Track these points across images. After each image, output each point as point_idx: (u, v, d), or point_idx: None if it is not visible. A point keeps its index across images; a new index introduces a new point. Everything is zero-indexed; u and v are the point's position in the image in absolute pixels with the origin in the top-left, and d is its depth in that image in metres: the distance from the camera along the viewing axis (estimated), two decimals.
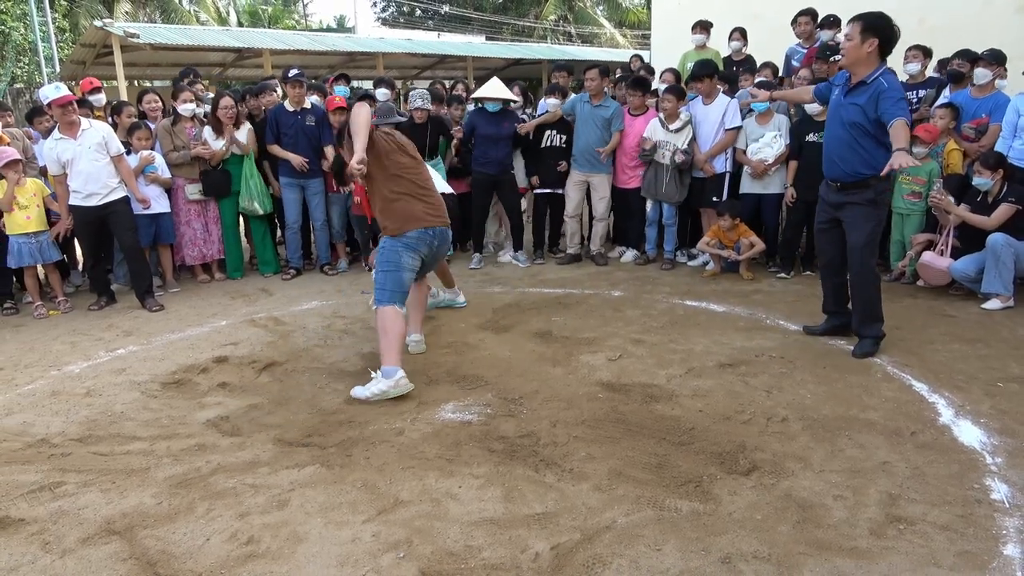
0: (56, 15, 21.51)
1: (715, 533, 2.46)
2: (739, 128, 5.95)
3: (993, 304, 4.82)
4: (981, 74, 5.46)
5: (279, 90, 7.07)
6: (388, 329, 3.75)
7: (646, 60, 9.74)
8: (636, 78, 6.76)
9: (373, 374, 3.74)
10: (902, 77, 5.76)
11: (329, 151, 6.13)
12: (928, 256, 5.23)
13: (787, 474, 2.83)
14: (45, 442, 3.34)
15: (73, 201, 5.39)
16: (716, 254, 6.00)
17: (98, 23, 13.68)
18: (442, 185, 5.12)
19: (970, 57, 5.65)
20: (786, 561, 2.30)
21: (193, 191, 6.18)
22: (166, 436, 3.36)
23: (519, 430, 3.27)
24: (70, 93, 5.31)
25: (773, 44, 7.39)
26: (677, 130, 6.02)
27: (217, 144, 6.14)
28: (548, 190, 6.66)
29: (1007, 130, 5.19)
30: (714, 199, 6.09)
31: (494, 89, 6.42)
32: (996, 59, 5.54)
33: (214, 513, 2.69)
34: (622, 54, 19.21)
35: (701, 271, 6.18)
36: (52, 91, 5.21)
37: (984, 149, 5.29)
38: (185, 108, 6.11)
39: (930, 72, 6.21)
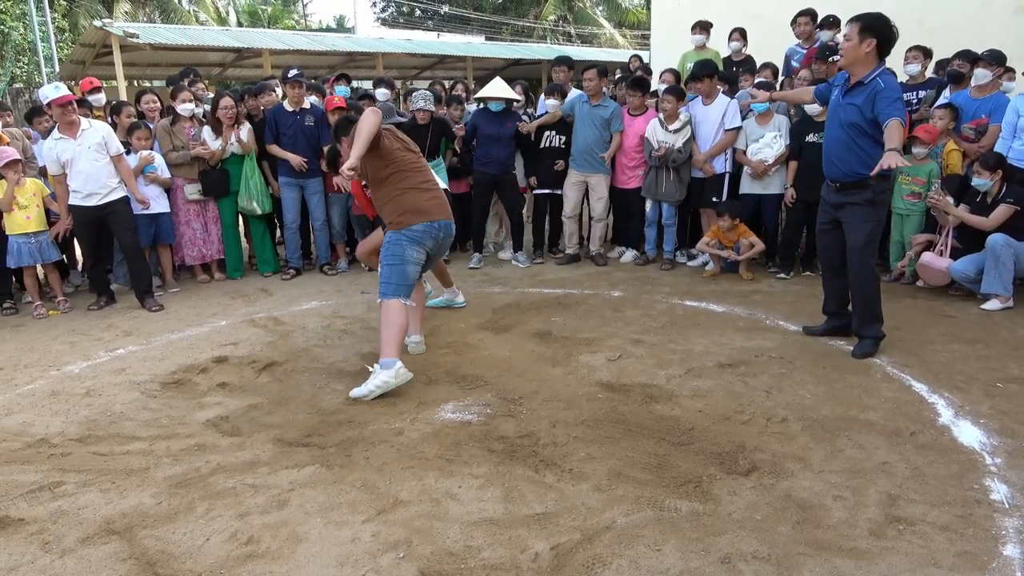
0: (56, 15, 21.52)
1: (715, 533, 2.46)
2: (739, 128, 5.95)
3: (992, 305, 4.83)
4: (981, 74, 5.46)
5: (278, 90, 7.06)
6: (392, 321, 3.74)
7: (646, 60, 9.74)
8: (635, 78, 6.76)
9: (371, 368, 3.73)
10: (902, 78, 5.77)
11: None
12: (928, 256, 5.24)
13: (787, 474, 2.83)
14: (45, 442, 3.34)
15: (73, 201, 5.39)
16: (716, 254, 6.01)
17: (97, 23, 13.68)
18: (442, 185, 5.12)
19: (970, 58, 5.66)
20: (786, 561, 2.31)
21: (192, 191, 6.19)
22: (166, 436, 3.36)
23: (519, 430, 3.27)
24: (70, 93, 5.30)
25: (773, 44, 7.40)
26: (676, 130, 6.03)
27: (215, 144, 6.14)
28: (547, 190, 6.67)
29: (1007, 131, 5.20)
30: (714, 199, 6.09)
31: (497, 89, 6.43)
32: (996, 59, 5.54)
33: (214, 513, 2.69)
34: (622, 54, 19.21)
35: (701, 271, 6.19)
36: (52, 91, 5.21)
37: (983, 150, 5.29)
38: (184, 108, 6.11)
39: (929, 73, 6.22)
